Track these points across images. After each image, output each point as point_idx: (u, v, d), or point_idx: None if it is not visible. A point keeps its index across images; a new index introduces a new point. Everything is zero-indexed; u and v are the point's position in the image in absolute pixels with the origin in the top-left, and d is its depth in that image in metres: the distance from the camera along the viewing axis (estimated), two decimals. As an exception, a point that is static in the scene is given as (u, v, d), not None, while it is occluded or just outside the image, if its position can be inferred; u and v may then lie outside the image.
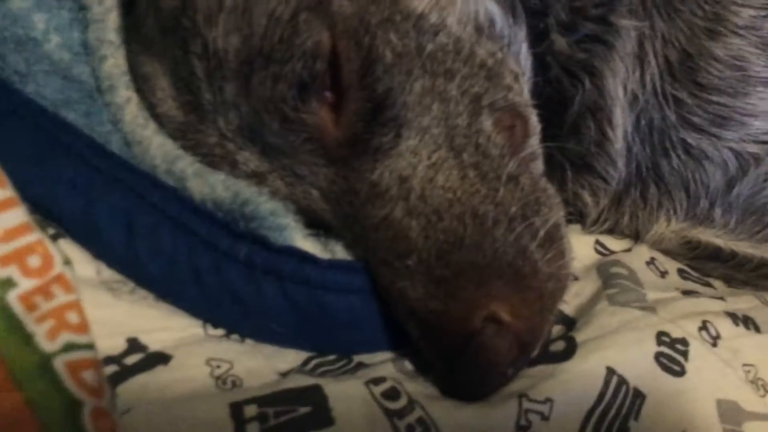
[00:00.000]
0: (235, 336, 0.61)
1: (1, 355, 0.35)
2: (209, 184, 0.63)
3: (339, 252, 0.63)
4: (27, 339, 0.35)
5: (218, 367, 0.56)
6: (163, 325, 0.58)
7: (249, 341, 0.61)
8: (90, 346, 0.37)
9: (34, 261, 0.38)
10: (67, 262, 0.39)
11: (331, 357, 0.62)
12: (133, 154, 0.67)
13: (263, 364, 0.58)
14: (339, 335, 0.61)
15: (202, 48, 0.59)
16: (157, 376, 0.54)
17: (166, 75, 0.66)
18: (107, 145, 0.66)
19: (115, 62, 0.70)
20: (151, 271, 0.60)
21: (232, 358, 0.57)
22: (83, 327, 0.37)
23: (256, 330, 0.60)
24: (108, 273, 0.61)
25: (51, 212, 0.61)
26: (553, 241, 0.60)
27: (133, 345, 0.55)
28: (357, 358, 0.62)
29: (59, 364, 0.35)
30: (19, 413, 0.33)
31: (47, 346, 0.35)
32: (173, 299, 0.60)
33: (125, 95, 0.69)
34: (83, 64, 0.70)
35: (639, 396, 0.60)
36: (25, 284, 0.37)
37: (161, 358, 0.55)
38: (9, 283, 0.37)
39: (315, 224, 0.64)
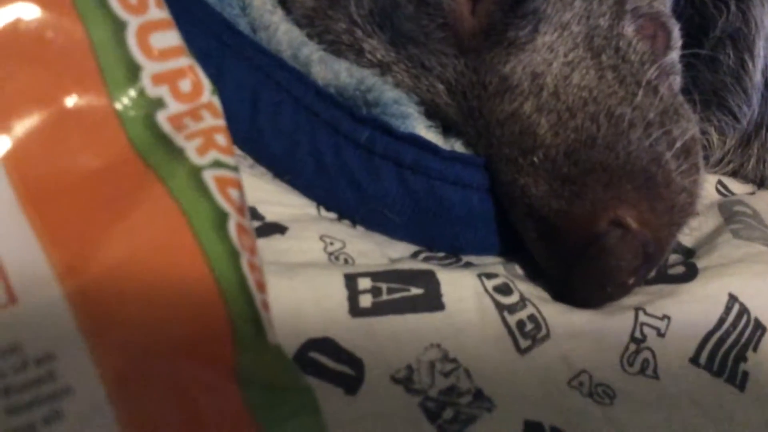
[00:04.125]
0: (346, 221, 0.61)
1: (153, 166, 0.35)
2: (333, 71, 0.63)
3: (459, 147, 0.61)
4: (177, 152, 0.36)
5: (331, 244, 0.56)
6: (279, 200, 0.59)
7: (360, 228, 0.61)
8: (235, 168, 0.37)
9: (185, 85, 0.38)
10: (215, 92, 0.39)
11: (441, 254, 0.61)
12: (260, 39, 0.67)
13: (374, 249, 0.58)
14: (451, 230, 0.60)
15: (344, -75, 0.59)
16: (275, 242, 0.54)
17: (299, -40, 0.65)
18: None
19: (247, -53, 0.70)
20: (272, 148, 0.61)
21: (344, 238, 0.57)
22: (229, 150, 0.37)
23: (369, 216, 0.60)
24: (229, 147, 0.62)
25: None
26: (689, 154, 0.57)
27: (252, 213, 0.56)
28: (465, 258, 0.61)
29: (208, 176, 0.35)
30: (171, 216, 0.33)
31: (197, 159, 0.35)
32: (291, 177, 0.61)
33: (255, -19, 0.69)
34: (217, -52, 0.70)
35: (760, 327, 0.58)
36: (175, 107, 0.37)
37: (278, 228, 0.56)
38: (159, 103, 0.37)
39: (435, 119, 0.63)
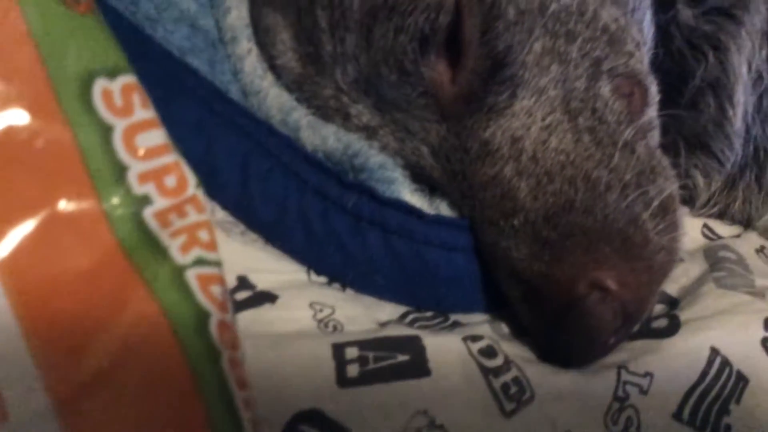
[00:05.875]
0: (336, 285, 0.62)
1: (137, 266, 0.37)
2: (321, 136, 0.65)
3: (444, 209, 0.63)
4: (162, 252, 0.37)
5: (321, 310, 0.57)
6: (270, 267, 0.60)
7: (350, 291, 0.62)
8: (218, 264, 0.39)
9: (170, 181, 0.40)
10: (200, 185, 0.41)
11: (428, 314, 0.62)
12: (251, 104, 0.70)
13: (363, 313, 0.59)
14: (439, 291, 0.61)
15: (328, -1, 0.61)
16: (265, 313, 0.56)
17: (287, 28, 0.68)
18: (227, 93, 0.68)
19: (238, 14, 0.73)
20: (262, 215, 0.63)
21: (333, 304, 0.59)
22: (212, 245, 0.39)
23: (358, 280, 0.62)
24: (221, 214, 0.63)
25: (173, 152, 0.63)
26: (667, 212, 0.58)
27: (243, 282, 0.57)
28: (453, 317, 0.63)
29: (191, 276, 0.37)
30: (153, 319, 0.35)
31: (180, 259, 0.37)
32: (281, 243, 0.62)
33: (246, 47, 0.72)
34: (209, 15, 0.73)
35: (742, 380, 0.59)
36: (161, 202, 0.39)
37: (268, 297, 0.57)
38: (146, 200, 0.39)
39: (421, 181, 0.65)
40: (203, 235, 0.39)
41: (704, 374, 0.58)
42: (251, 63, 0.71)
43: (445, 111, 0.61)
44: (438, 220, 0.60)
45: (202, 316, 0.36)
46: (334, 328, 0.56)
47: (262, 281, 0.58)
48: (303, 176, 0.62)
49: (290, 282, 0.60)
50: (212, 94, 0.66)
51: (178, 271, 0.37)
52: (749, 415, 0.58)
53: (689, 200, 0.82)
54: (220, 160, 0.63)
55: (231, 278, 0.57)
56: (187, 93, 0.65)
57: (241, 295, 0.56)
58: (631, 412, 0.55)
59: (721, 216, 0.82)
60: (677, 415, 0.56)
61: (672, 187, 0.60)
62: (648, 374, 0.57)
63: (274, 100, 0.68)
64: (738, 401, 0.58)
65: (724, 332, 0.61)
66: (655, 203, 0.57)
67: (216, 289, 0.37)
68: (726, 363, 0.59)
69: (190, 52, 0.69)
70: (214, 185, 0.64)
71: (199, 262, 0.38)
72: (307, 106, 0.67)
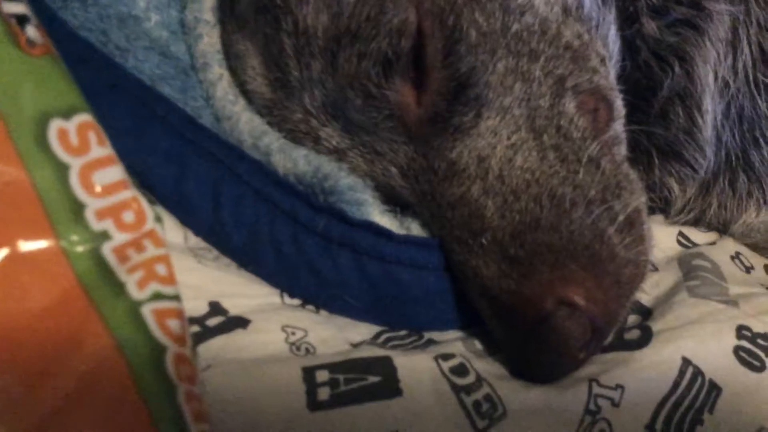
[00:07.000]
0: (310, 306, 0.63)
1: (95, 302, 0.38)
2: (292, 159, 0.65)
3: (414, 229, 0.64)
4: (119, 287, 0.38)
5: (293, 333, 0.58)
6: (243, 292, 0.61)
7: (323, 312, 0.63)
8: (176, 297, 0.39)
9: (128, 216, 0.41)
10: (158, 219, 0.42)
11: (402, 332, 0.63)
12: (223, 129, 0.70)
13: (336, 334, 0.60)
14: (411, 310, 0.62)
15: (293, 26, 0.61)
16: (236, 338, 0.56)
17: (256, 54, 0.68)
18: (199, 119, 0.68)
19: (209, 41, 0.73)
20: (234, 240, 0.63)
21: (306, 326, 0.59)
22: (170, 279, 0.40)
23: (331, 301, 0.62)
24: (194, 240, 0.64)
25: (144, 181, 0.64)
26: (633, 226, 0.59)
27: (215, 308, 0.58)
28: (427, 335, 0.63)
29: (147, 311, 0.37)
30: (109, 355, 0.35)
31: (137, 294, 0.38)
32: (254, 268, 0.63)
33: (218, 73, 0.72)
34: (180, 42, 0.74)
35: (715, 389, 0.59)
36: (119, 238, 0.40)
37: (240, 322, 0.58)
38: (104, 236, 0.40)
39: (392, 201, 0.65)
40: (161, 269, 0.40)
41: (676, 385, 0.58)
42: (223, 89, 0.71)
43: (411, 132, 0.62)
44: (408, 240, 0.61)
45: (158, 350, 0.36)
46: (306, 351, 0.57)
47: (234, 306, 0.59)
48: (273, 200, 0.63)
49: (263, 306, 0.60)
50: (183, 121, 0.67)
51: (134, 307, 0.37)
52: (723, 424, 0.58)
53: (665, 207, 0.82)
54: (192, 187, 0.63)
55: (203, 304, 0.58)
56: (158, 121, 0.65)
57: (213, 321, 0.57)
58: (603, 425, 0.56)
59: (696, 223, 0.83)
60: (650, 427, 0.56)
61: (638, 200, 0.61)
62: (619, 387, 0.57)
63: (246, 125, 0.69)
64: (711, 411, 0.58)
65: (695, 342, 0.61)
66: (621, 218, 0.58)
67: (173, 323, 0.38)
68: (698, 373, 0.59)
69: (161, 79, 0.70)
70: (186, 212, 0.64)
71: (156, 296, 0.38)
72: (278, 130, 0.68)
